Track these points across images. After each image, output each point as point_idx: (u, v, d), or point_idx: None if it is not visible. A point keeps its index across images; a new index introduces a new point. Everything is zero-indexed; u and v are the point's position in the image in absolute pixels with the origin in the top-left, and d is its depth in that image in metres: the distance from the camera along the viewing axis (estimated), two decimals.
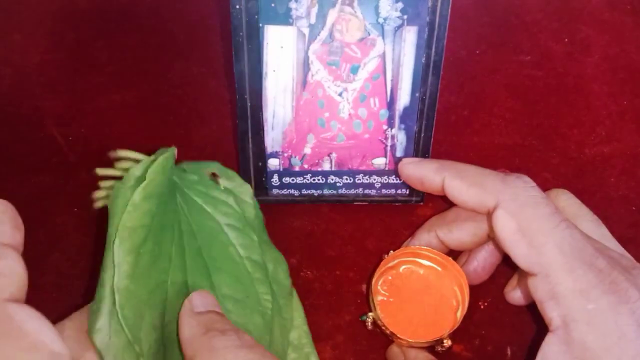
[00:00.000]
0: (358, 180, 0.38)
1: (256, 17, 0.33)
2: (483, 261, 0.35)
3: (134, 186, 0.31)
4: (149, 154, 0.42)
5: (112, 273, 0.29)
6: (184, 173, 0.35)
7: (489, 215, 0.31)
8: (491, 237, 0.34)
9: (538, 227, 0.29)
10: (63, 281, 0.36)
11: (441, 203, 0.39)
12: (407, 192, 0.38)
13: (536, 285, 0.29)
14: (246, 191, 0.35)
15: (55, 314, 0.34)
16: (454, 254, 0.36)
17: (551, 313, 0.29)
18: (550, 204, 0.30)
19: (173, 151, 0.33)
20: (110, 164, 0.40)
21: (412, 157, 0.37)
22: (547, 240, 0.29)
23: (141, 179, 0.31)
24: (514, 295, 0.35)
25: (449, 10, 0.33)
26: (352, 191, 0.38)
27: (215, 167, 0.35)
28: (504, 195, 0.31)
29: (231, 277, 0.32)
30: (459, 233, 0.34)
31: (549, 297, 0.29)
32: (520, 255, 0.30)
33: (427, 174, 0.34)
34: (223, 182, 0.35)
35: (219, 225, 0.33)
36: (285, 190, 0.38)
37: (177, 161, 0.41)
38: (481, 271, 0.35)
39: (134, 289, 0.29)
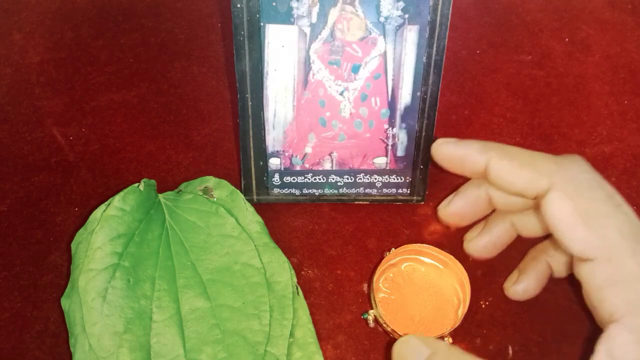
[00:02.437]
0: (359, 179, 0.38)
1: (257, 16, 0.33)
2: (497, 237, 0.35)
3: (96, 231, 0.33)
4: (149, 153, 0.42)
5: (82, 315, 0.31)
6: (179, 194, 0.36)
7: (538, 198, 0.30)
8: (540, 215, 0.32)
9: (596, 210, 0.28)
10: (63, 281, 0.35)
11: None
12: (408, 192, 0.38)
13: (594, 271, 0.28)
14: (238, 198, 0.36)
15: (55, 314, 0.34)
16: (463, 230, 0.36)
17: (614, 299, 0.27)
18: (606, 186, 0.29)
19: (139, 185, 0.35)
20: (112, 166, 0.40)
21: (446, 138, 0.35)
22: (607, 224, 0.28)
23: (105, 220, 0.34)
24: (515, 289, 0.35)
25: (450, 9, 0.33)
26: (353, 190, 0.38)
27: (208, 180, 0.37)
28: (558, 177, 0.29)
29: (227, 287, 0.33)
30: (516, 178, 0.31)
31: (610, 282, 0.27)
32: (577, 240, 0.28)
33: (469, 152, 0.32)
34: (216, 194, 0.36)
35: (213, 237, 0.34)
36: (286, 189, 0.38)
37: (177, 162, 0.41)
38: (492, 247, 0.35)
39: (107, 324, 0.31)
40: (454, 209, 0.35)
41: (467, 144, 0.33)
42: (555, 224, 0.29)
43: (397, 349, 0.29)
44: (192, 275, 0.33)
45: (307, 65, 0.34)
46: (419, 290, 0.35)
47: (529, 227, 0.35)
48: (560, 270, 0.35)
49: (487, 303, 0.35)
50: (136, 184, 0.35)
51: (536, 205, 0.31)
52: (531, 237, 0.35)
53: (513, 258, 0.36)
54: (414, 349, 0.28)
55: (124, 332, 0.31)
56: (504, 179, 0.31)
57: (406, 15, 0.33)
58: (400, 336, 0.33)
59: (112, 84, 0.45)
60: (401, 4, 0.33)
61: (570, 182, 0.29)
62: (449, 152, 0.33)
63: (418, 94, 0.35)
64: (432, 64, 0.34)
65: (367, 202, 0.39)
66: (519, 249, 0.36)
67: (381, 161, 0.37)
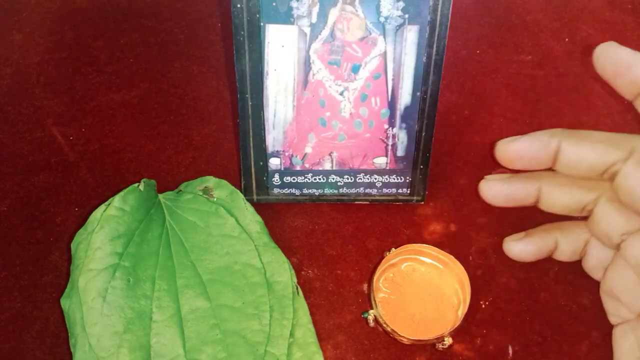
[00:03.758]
0: (359, 179, 0.38)
1: (257, 16, 0.33)
2: (515, 190, 0.35)
3: (96, 231, 0.33)
4: (149, 153, 0.42)
5: (82, 315, 0.31)
6: (179, 194, 0.36)
7: (611, 174, 0.30)
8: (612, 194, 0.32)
9: None
10: (63, 281, 0.35)
11: (442, 203, 0.39)
12: (408, 192, 0.38)
13: None
14: (238, 198, 0.36)
15: (55, 314, 0.34)
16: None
17: None
18: None
19: (139, 185, 0.35)
20: (112, 166, 0.40)
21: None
22: None
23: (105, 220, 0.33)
24: (513, 246, 0.35)
25: (450, 9, 0.33)
26: (353, 190, 0.38)
27: (208, 180, 0.37)
28: (637, 147, 0.30)
29: (227, 287, 0.33)
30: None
31: None
32: None
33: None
34: (216, 194, 0.36)
35: (213, 237, 0.34)
36: (286, 189, 0.38)
37: (177, 162, 0.41)
38: (503, 197, 0.35)
39: (107, 324, 0.31)
40: (518, 146, 0.35)
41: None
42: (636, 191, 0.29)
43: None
44: (192, 275, 0.33)
45: (307, 65, 0.34)
46: (419, 290, 0.35)
47: (554, 200, 0.35)
48: (564, 252, 0.35)
49: (487, 303, 0.35)
50: (136, 184, 0.35)
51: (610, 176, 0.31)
52: (548, 211, 0.35)
53: (514, 260, 0.36)
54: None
55: (124, 332, 0.31)
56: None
57: (406, 15, 0.33)
58: (401, 336, 0.33)
59: (112, 84, 0.45)
60: (401, 4, 0.33)
61: None
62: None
63: (418, 93, 0.35)
64: (432, 64, 0.34)
65: (367, 202, 0.39)
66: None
67: (381, 161, 0.37)
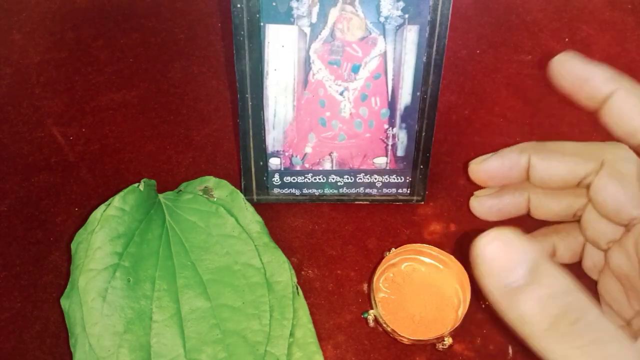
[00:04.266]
0: (359, 179, 0.38)
1: (257, 16, 0.33)
2: (504, 204, 0.35)
3: (96, 231, 0.33)
4: (149, 153, 0.42)
5: (82, 314, 0.31)
6: (179, 194, 0.36)
7: (585, 185, 0.31)
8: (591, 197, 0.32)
9: None
10: (63, 281, 0.35)
11: (442, 203, 0.39)
12: (408, 192, 0.38)
13: None
14: (238, 198, 0.36)
15: (55, 314, 0.34)
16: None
17: None
18: None
19: (139, 185, 0.35)
20: (112, 166, 0.40)
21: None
22: None
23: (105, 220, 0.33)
24: (481, 203, 0.36)
25: (450, 9, 0.33)
26: (353, 190, 0.38)
27: (208, 180, 0.37)
28: (608, 157, 0.30)
29: (227, 287, 0.33)
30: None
31: None
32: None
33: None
34: (216, 194, 0.36)
35: (213, 237, 0.34)
36: (286, 189, 0.38)
37: (177, 162, 0.41)
38: (495, 212, 0.35)
39: (107, 324, 0.31)
40: (488, 166, 0.35)
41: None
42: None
43: (488, 244, 0.23)
44: (192, 275, 0.33)
45: (307, 65, 0.34)
46: (419, 290, 0.35)
47: (544, 208, 0.35)
48: (563, 256, 0.35)
49: (487, 303, 0.35)
50: (136, 184, 0.35)
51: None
52: (540, 219, 0.35)
53: None
54: (515, 251, 0.23)
55: (124, 332, 0.31)
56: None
57: (406, 15, 0.33)
58: (401, 336, 0.33)
59: (112, 84, 0.45)
60: (401, 4, 0.33)
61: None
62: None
63: (418, 93, 0.35)
64: (432, 64, 0.34)
65: (367, 202, 0.39)
66: None
67: (381, 161, 0.37)
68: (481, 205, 0.37)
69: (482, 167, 0.35)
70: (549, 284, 0.22)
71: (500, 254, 0.23)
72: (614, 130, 0.31)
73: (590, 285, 0.34)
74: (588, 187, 0.31)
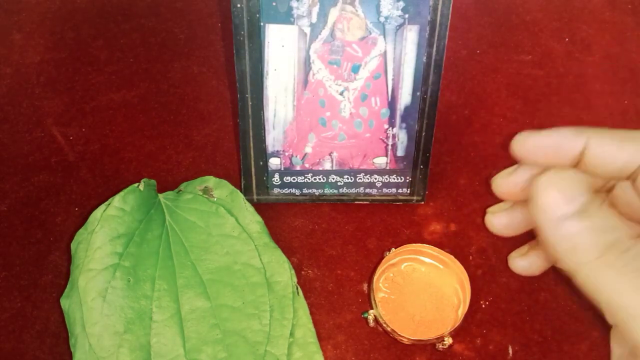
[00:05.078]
0: (359, 179, 0.38)
1: (257, 16, 0.33)
2: (525, 218, 0.32)
3: (96, 231, 0.33)
4: (149, 153, 0.42)
5: (82, 314, 0.31)
6: (179, 194, 0.36)
7: (634, 175, 0.28)
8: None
9: None
10: (63, 281, 0.35)
11: (442, 203, 0.39)
12: (408, 192, 0.38)
13: None
14: (238, 198, 0.36)
15: (55, 314, 0.34)
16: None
17: None
18: None
19: (139, 185, 0.35)
20: (112, 166, 0.40)
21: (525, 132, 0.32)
22: None
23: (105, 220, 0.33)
24: (520, 263, 0.33)
25: (450, 9, 0.33)
26: (353, 190, 0.38)
27: (208, 180, 0.37)
28: None
29: (227, 287, 0.33)
30: (616, 152, 0.29)
31: None
32: None
33: (564, 138, 0.30)
34: (216, 194, 0.36)
35: (213, 237, 0.34)
36: (286, 189, 0.38)
37: (177, 162, 0.41)
38: (515, 226, 0.33)
39: (107, 324, 0.31)
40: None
41: (557, 131, 0.31)
42: None
43: (545, 182, 0.26)
44: (192, 275, 0.33)
45: (307, 65, 0.34)
46: (419, 290, 0.35)
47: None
48: None
49: (487, 303, 0.35)
50: (136, 184, 0.35)
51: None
52: None
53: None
54: (569, 188, 0.25)
55: (124, 332, 0.31)
56: (604, 159, 0.30)
57: (406, 15, 0.33)
58: (401, 336, 0.33)
59: (112, 84, 0.45)
60: (401, 4, 0.33)
61: None
62: (535, 143, 0.31)
63: (418, 93, 0.35)
64: (432, 63, 0.34)
65: (367, 202, 0.39)
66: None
67: (381, 161, 0.37)
68: (500, 221, 0.34)
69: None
70: (600, 219, 0.24)
71: (555, 193, 0.25)
72: (602, 174, 0.31)
73: None
74: (633, 178, 0.29)
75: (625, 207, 0.30)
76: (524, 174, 0.33)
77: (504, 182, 0.33)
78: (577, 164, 0.31)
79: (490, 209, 0.36)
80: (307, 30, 0.34)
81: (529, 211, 0.26)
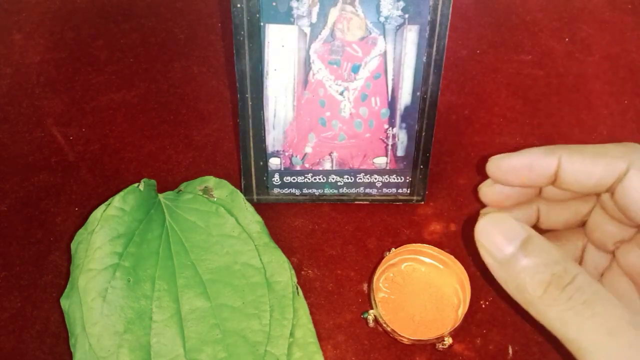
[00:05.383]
0: (359, 179, 0.38)
1: (257, 16, 0.33)
2: (517, 219, 0.33)
3: (96, 231, 0.33)
4: (149, 153, 0.42)
5: (82, 314, 0.31)
6: (179, 194, 0.36)
7: (613, 186, 0.29)
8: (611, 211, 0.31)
9: None
10: (63, 281, 0.35)
11: (442, 203, 0.39)
12: (408, 192, 0.38)
13: None
14: (238, 198, 0.36)
15: (55, 314, 0.34)
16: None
17: None
18: None
19: (139, 185, 0.35)
20: (112, 166, 0.40)
21: (498, 155, 0.32)
22: None
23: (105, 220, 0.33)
24: (489, 190, 0.33)
25: (450, 9, 0.33)
26: (353, 190, 0.38)
27: (208, 180, 0.37)
28: (635, 157, 0.28)
29: (227, 287, 0.33)
30: (591, 168, 0.29)
31: None
32: None
33: (535, 158, 0.30)
34: (216, 194, 0.36)
35: (213, 237, 0.34)
36: (286, 189, 0.38)
37: (177, 162, 0.41)
38: (504, 197, 0.33)
39: (107, 324, 0.31)
40: (509, 163, 0.32)
41: (529, 151, 0.31)
42: (636, 202, 0.28)
43: (484, 226, 0.27)
44: (192, 275, 0.33)
45: (307, 65, 0.34)
46: (419, 290, 0.35)
47: (554, 217, 0.33)
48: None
49: (487, 303, 0.35)
50: (136, 184, 0.35)
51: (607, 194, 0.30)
52: (547, 229, 0.34)
53: None
54: (507, 229, 0.26)
55: (124, 332, 0.31)
56: (577, 176, 0.30)
57: (406, 15, 0.33)
58: (401, 336, 0.33)
59: (112, 84, 0.45)
60: (401, 4, 0.33)
61: None
62: (510, 164, 0.31)
63: (418, 93, 0.35)
64: (432, 63, 0.34)
65: (367, 202, 0.39)
66: None
67: (381, 161, 0.37)
68: (491, 191, 0.35)
69: (504, 164, 0.32)
70: (540, 254, 0.25)
71: (494, 232, 0.26)
72: (578, 191, 0.31)
73: None
74: (612, 191, 0.30)
75: (615, 211, 0.30)
76: (518, 160, 0.32)
77: (489, 191, 0.33)
78: (553, 182, 0.31)
79: (482, 211, 0.36)
80: (307, 30, 0.34)
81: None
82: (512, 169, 0.32)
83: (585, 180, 0.30)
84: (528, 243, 0.25)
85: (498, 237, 0.26)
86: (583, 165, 0.30)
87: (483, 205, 0.38)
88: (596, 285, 0.24)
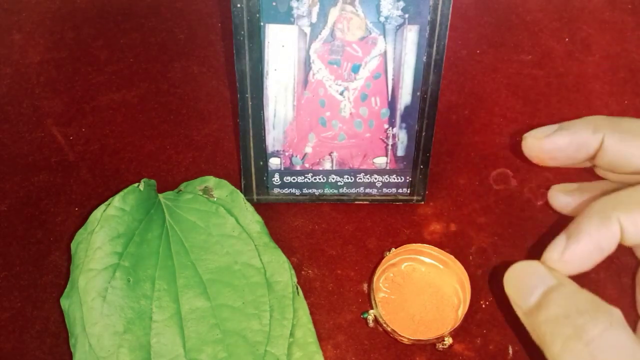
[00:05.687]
0: (359, 179, 0.38)
1: (257, 15, 0.33)
2: (578, 142, 0.29)
3: (96, 231, 0.33)
4: (149, 153, 0.42)
5: (82, 314, 0.31)
6: (179, 194, 0.36)
7: None
8: None
9: None
10: (63, 281, 0.35)
11: (442, 203, 0.39)
12: (408, 192, 0.38)
13: None
14: (238, 198, 0.36)
15: (55, 314, 0.34)
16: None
17: None
18: None
19: (139, 185, 0.35)
20: (112, 166, 0.40)
21: (533, 131, 0.30)
22: None
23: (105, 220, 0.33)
24: (562, 198, 0.32)
25: (450, 9, 0.33)
26: (353, 190, 0.38)
27: (208, 180, 0.37)
28: None
29: (227, 287, 0.33)
30: (635, 149, 0.28)
31: None
32: None
33: (582, 135, 0.28)
34: (216, 194, 0.36)
35: (213, 237, 0.34)
36: (286, 189, 0.38)
37: (177, 162, 0.41)
38: (572, 209, 0.31)
39: (107, 324, 0.31)
40: (555, 141, 0.30)
41: (574, 125, 0.29)
42: None
43: (511, 274, 0.25)
44: (192, 275, 0.33)
45: (307, 65, 0.34)
46: (419, 290, 0.35)
47: (621, 159, 0.29)
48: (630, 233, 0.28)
49: (487, 303, 0.35)
50: (136, 184, 0.35)
51: None
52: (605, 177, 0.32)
53: (514, 259, 0.36)
54: (537, 276, 0.24)
55: (124, 332, 0.31)
56: (622, 153, 0.28)
57: (406, 15, 0.33)
58: (401, 336, 0.33)
59: (112, 84, 0.45)
60: (401, 4, 0.33)
61: None
62: (557, 142, 0.29)
63: (418, 93, 0.35)
64: (432, 63, 0.34)
65: (367, 202, 0.39)
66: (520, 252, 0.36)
67: (381, 161, 0.37)
68: (558, 200, 0.34)
69: (546, 144, 0.30)
70: (563, 305, 0.23)
71: (520, 280, 0.25)
72: (617, 170, 0.29)
73: (589, 285, 0.35)
74: None
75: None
76: (565, 139, 0.30)
77: (538, 144, 0.31)
78: (593, 158, 0.29)
79: (554, 186, 0.34)
80: (307, 30, 0.34)
81: None
82: (555, 150, 0.29)
83: (631, 156, 0.28)
84: (553, 292, 0.24)
85: (523, 285, 0.25)
86: (628, 143, 0.27)
87: (482, 206, 0.38)
88: (628, 340, 0.21)
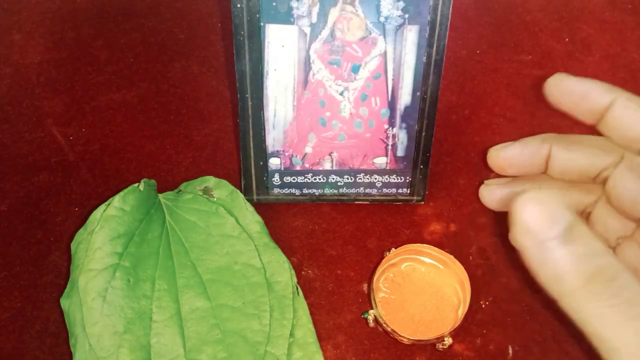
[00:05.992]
0: (359, 179, 0.38)
1: (257, 16, 0.33)
2: (528, 154, 0.34)
3: (96, 231, 0.33)
4: (149, 153, 0.42)
5: (82, 315, 0.31)
6: (179, 194, 0.36)
7: (603, 179, 0.30)
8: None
9: None
10: (63, 281, 0.35)
11: (442, 203, 0.39)
12: (408, 192, 0.38)
13: None
14: (238, 199, 0.36)
15: (55, 314, 0.34)
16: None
17: None
18: None
19: (139, 185, 0.35)
20: (112, 166, 0.40)
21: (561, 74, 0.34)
22: None
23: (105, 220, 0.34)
24: (496, 191, 0.35)
25: (450, 9, 0.33)
26: (353, 190, 0.38)
27: (208, 180, 0.37)
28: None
29: (227, 287, 0.33)
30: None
31: None
32: None
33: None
34: (216, 194, 0.36)
35: (213, 237, 0.34)
36: (286, 189, 0.38)
37: (177, 162, 0.41)
38: (504, 202, 0.35)
39: (107, 324, 0.31)
40: (508, 153, 0.35)
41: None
42: None
43: (526, 203, 0.23)
44: (192, 275, 0.33)
45: (307, 65, 0.34)
46: (419, 290, 0.35)
47: (568, 165, 0.33)
48: None
49: (487, 303, 0.35)
50: (136, 184, 0.35)
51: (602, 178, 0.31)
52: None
53: (514, 259, 0.36)
54: (553, 210, 0.23)
55: (124, 332, 0.31)
56: (628, 121, 0.30)
57: (406, 15, 0.33)
58: (401, 336, 0.33)
59: (112, 84, 0.45)
60: (401, 4, 0.33)
61: None
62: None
63: (418, 93, 0.35)
64: (432, 63, 0.34)
65: (367, 202, 0.39)
66: None
67: (381, 161, 0.37)
68: (491, 194, 0.37)
69: (502, 154, 0.35)
70: (585, 243, 0.23)
71: (537, 213, 0.23)
72: (616, 139, 0.31)
73: None
74: (604, 181, 0.31)
75: (620, 200, 0.30)
76: (517, 150, 0.35)
77: (497, 155, 0.36)
78: (545, 169, 0.33)
79: (486, 181, 0.38)
80: (307, 30, 0.34)
81: (510, 232, 0.24)
82: (510, 160, 0.34)
83: (569, 169, 0.32)
84: (573, 229, 0.23)
85: (542, 215, 0.23)
86: (570, 155, 0.31)
87: (482, 206, 0.38)
88: (639, 286, 0.22)
